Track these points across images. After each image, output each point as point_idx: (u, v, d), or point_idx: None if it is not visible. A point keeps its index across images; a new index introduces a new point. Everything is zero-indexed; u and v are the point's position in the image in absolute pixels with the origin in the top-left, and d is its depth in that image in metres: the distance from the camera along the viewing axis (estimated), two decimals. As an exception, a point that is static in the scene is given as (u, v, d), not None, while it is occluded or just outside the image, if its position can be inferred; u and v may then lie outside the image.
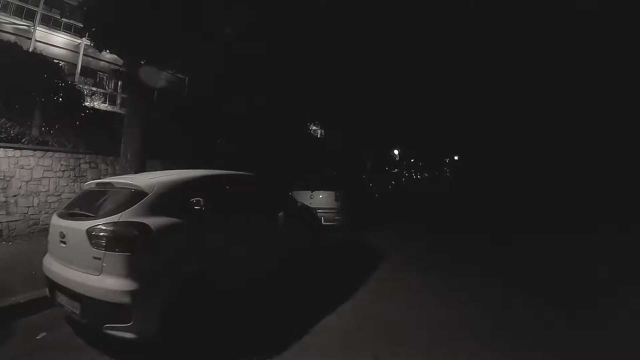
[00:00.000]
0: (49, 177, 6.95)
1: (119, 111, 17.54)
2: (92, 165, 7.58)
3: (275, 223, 4.01)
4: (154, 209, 2.71)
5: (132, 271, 2.46)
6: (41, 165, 6.81)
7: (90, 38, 5.93)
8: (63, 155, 7.23)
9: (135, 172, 5.22)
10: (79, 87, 10.03)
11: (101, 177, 7.42)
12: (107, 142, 7.78)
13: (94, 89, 17.23)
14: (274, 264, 4.13)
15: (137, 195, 2.78)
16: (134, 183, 2.88)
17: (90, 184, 3.36)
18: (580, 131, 22.99)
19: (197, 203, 2.96)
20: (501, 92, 29.34)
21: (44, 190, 6.80)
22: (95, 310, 2.54)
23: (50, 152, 7.03)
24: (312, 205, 7.16)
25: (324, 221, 7.22)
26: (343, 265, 5.23)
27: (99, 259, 2.53)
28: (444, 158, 59.40)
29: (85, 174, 7.44)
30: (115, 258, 2.48)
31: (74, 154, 7.38)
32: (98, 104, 15.05)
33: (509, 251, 6.12)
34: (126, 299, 2.40)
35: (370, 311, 3.43)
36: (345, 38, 19.20)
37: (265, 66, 16.03)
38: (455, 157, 54.73)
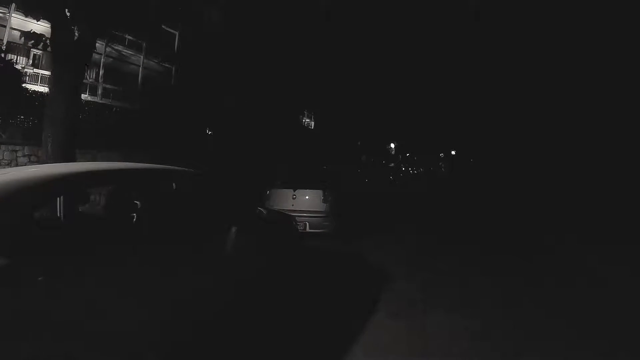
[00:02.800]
0: (-22, 174, 5.79)
1: (100, 101, 16.52)
2: (33, 158, 6.37)
3: (221, 245, 2.71)
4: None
5: None
6: (-33, 159, 5.69)
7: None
8: (-4, 146, 6.07)
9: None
10: (17, 66, 8.73)
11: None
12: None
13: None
14: (212, 312, 2.57)
15: None
16: None
17: None
18: (580, 127, 21.61)
19: (56, 227, 1.71)
20: (499, 85, 28.03)
21: (-30, 189, 5.63)
22: None
23: (-22, 144, 5.90)
24: (295, 208, 5.95)
25: (309, 228, 5.93)
26: (328, 299, 3.67)
27: None
28: (439, 153, 58.56)
29: (23, 169, 6.27)
30: None
31: (10, 146, 6.19)
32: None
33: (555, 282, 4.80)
34: None
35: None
36: (342, 30, 18.17)
37: (255, 54, 14.90)
38: (453, 152, 53.63)
